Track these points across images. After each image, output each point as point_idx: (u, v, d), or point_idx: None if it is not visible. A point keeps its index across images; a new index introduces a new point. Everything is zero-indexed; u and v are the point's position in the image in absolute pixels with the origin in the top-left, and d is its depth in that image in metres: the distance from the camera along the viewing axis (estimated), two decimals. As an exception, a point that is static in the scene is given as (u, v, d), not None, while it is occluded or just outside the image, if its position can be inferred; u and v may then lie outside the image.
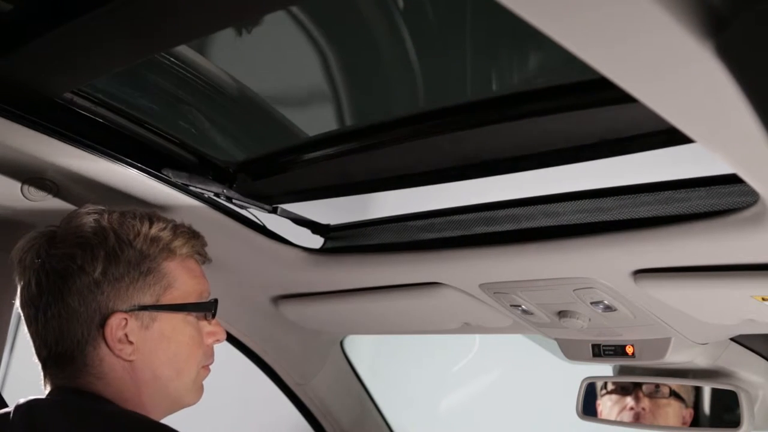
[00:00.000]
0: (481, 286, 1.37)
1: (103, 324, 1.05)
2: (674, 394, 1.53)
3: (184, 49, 1.20)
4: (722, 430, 1.48)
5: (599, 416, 1.59)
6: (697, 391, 1.52)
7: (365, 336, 2.31)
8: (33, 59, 1.09)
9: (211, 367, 1.18)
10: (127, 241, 1.08)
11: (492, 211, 1.31)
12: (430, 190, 1.37)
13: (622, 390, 1.58)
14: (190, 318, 1.12)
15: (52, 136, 1.20)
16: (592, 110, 1.04)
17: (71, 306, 1.05)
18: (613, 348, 1.44)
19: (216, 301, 1.17)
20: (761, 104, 0.56)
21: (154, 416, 1.07)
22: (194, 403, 1.15)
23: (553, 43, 0.55)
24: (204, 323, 1.15)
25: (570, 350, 1.51)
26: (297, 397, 2.01)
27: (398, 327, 1.76)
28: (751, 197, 0.97)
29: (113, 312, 1.06)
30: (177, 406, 1.13)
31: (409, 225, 1.44)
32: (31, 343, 1.10)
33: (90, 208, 1.11)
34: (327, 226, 1.60)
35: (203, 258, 1.19)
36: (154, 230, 1.11)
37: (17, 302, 1.11)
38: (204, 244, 1.19)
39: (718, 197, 1.05)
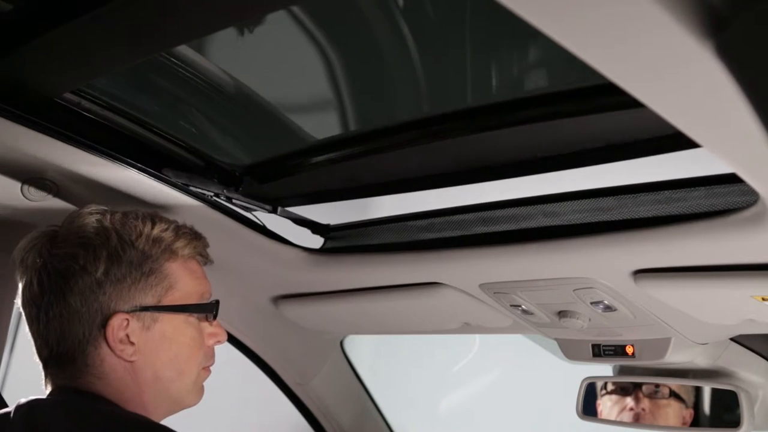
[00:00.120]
0: (481, 286, 1.37)
1: (104, 324, 1.05)
2: (674, 394, 1.53)
3: (192, 53, 1.21)
4: (722, 430, 1.48)
5: (599, 416, 1.59)
6: (697, 391, 1.52)
7: (365, 336, 2.31)
8: (33, 59, 1.09)
9: (211, 367, 1.18)
10: (129, 241, 1.08)
11: (492, 211, 1.31)
12: (430, 191, 1.37)
13: (622, 390, 1.58)
14: (192, 319, 1.12)
15: (52, 136, 1.20)
16: (596, 115, 1.05)
17: (73, 306, 1.05)
18: (613, 348, 1.44)
19: (217, 302, 1.17)
20: (761, 104, 0.56)
21: (154, 417, 1.07)
22: (195, 404, 1.15)
23: (558, 48, 0.55)
24: (205, 324, 1.15)
25: (570, 350, 1.51)
26: (297, 397, 2.01)
27: (398, 327, 1.76)
28: (751, 197, 0.97)
29: (115, 312, 1.06)
30: (178, 407, 1.13)
31: (409, 225, 1.44)
32: (31, 343, 1.10)
33: (92, 208, 1.11)
34: (327, 226, 1.60)
35: (205, 259, 1.19)
36: (156, 231, 1.11)
37: (19, 301, 1.11)
38: (206, 245, 1.19)
39: (717, 197, 1.05)
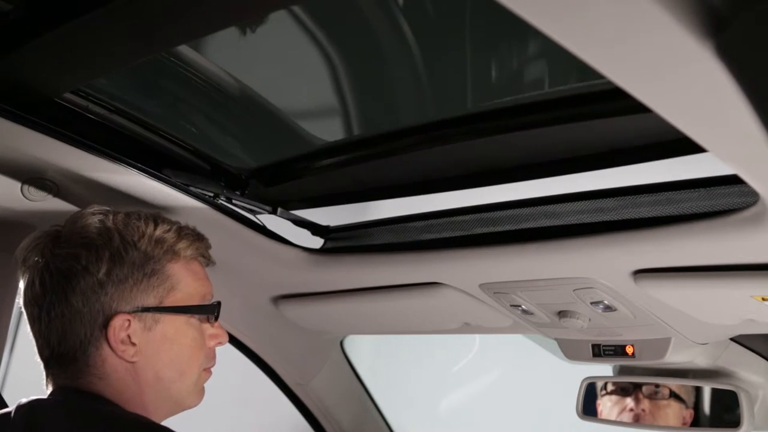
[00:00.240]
0: (481, 286, 1.37)
1: (106, 325, 1.05)
2: (674, 395, 1.53)
3: (200, 58, 1.21)
4: (722, 430, 1.48)
5: (599, 416, 1.59)
6: (697, 391, 1.52)
7: (365, 336, 2.31)
8: (33, 59, 1.09)
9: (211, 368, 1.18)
10: (132, 242, 1.08)
11: (492, 212, 1.31)
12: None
13: (622, 391, 1.58)
14: (193, 320, 1.13)
15: (52, 136, 1.20)
16: (599, 120, 1.05)
17: (75, 306, 1.05)
18: (613, 348, 1.44)
19: (219, 303, 1.17)
20: (761, 104, 0.56)
21: (155, 418, 1.07)
22: (195, 406, 1.15)
23: (560, 53, 0.55)
24: (206, 325, 1.15)
25: (570, 350, 1.51)
26: (297, 397, 2.01)
27: (398, 327, 1.76)
28: (750, 198, 0.97)
29: (116, 313, 1.06)
30: (178, 408, 1.13)
31: (409, 226, 1.44)
32: (32, 343, 1.10)
33: (95, 208, 1.12)
34: (327, 227, 1.60)
35: (207, 260, 1.19)
36: (158, 232, 1.11)
37: (21, 301, 1.11)
38: (208, 247, 1.19)
39: (717, 198, 1.05)
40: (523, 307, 1.38)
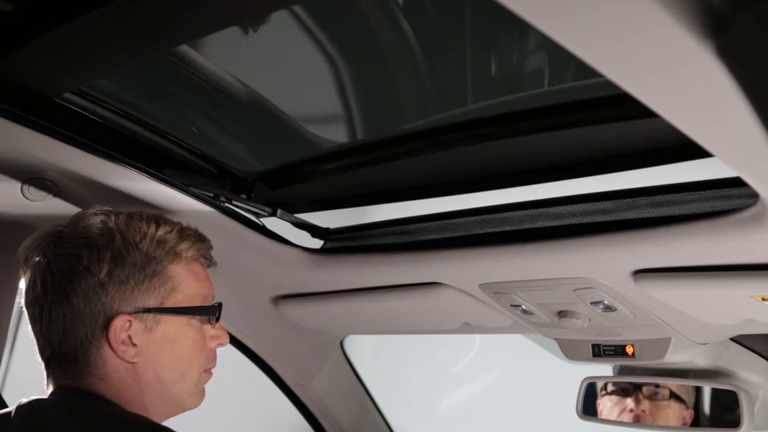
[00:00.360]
0: (481, 286, 1.37)
1: (107, 325, 1.05)
2: (674, 395, 1.53)
3: (203, 60, 1.21)
4: (722, 430, 1.48)
5: (599, 416, 1.59)
6: (697, 391, 1.52)
7: (365, 336, 2.31)
8: (33, 59, 1.09)
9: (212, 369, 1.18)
10: (134, 243, 1.08)
11: (492, 214, 1.32)
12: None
13: (622, 391, 1.58)
14: (194, 321, 1.12)
15: (52, 136, 1.20)
16: (603, 126, 1.06)
17: (76, 306, 1.05)
18: (613, 348, 1.44)
19: (220, 305, 1.17)
20: (761, 104, 0.56)
21: (155, 418, 1.07)
22: (196, 407, 1.15)
23: (563, 58, 0.55)
24: (207, 326, 1.15)
25: (570, 350, 1.50)
26: (297, 397, 2.01)
27: (398, 327, 1.76)
28: (750, 199, 0.97)
29: (117, 314, 1.06)
30: (179, 409, 1.13)
31: (409, 228, 1.44)
32: (32, 343, 1.11)
33: (97, 209, 1.12)
34: (327, 229, 1.60)
35: (209, 261, 1.19)
36: (160, 233, 1.11)
37: (22, 300, 1.11)
38: (210, 248, 1.19)
39: (716, 200, 1.05)
40: (523, 307, 1.38)
